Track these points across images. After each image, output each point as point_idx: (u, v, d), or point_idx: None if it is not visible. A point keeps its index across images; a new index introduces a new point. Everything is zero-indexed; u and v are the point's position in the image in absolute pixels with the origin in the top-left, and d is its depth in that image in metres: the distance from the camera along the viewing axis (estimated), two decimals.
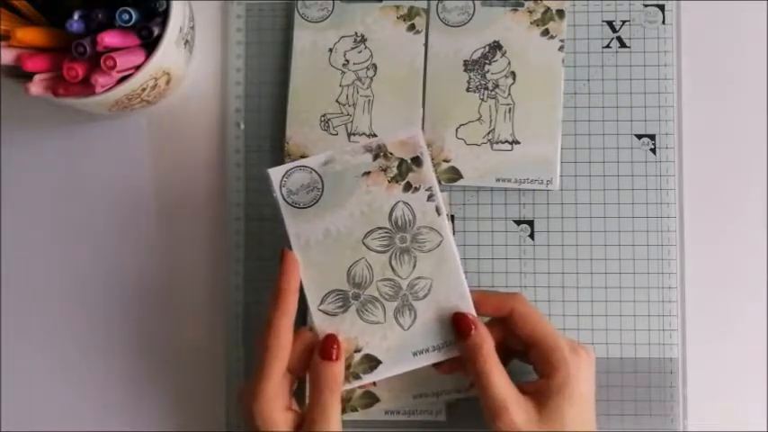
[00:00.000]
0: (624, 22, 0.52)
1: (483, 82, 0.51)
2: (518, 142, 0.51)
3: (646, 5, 0.52)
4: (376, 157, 0.45)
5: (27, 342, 0.52)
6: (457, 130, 0.51)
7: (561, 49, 0.51)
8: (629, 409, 0.50)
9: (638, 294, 0.50)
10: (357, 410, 0.49)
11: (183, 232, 0.52)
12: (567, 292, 0.50)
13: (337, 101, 0.51)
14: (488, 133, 0.51)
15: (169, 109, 0.53)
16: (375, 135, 0.51)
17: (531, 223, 0.51)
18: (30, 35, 0.44)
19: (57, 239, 0.52)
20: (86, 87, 0.44)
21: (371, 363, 0.44)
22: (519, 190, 0.51)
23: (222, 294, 0.52)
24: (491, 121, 0.51)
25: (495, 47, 0.51)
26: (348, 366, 0.44)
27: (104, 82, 0.44)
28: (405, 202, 0.45)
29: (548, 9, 0.51)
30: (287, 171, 0.44)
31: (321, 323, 0.44)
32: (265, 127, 0.52)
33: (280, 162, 0.51)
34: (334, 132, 0.51)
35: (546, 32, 0.51)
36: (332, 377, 0.42)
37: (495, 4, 0.52)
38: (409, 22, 0.52)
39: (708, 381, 0.50)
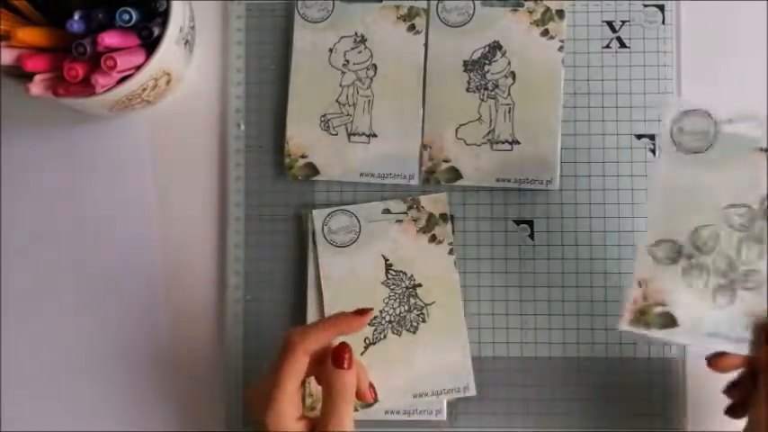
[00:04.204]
0: (624, 22, 0.52)
1: (483, 82, 0.51)
2: (518, 142, 0.51)
3: (646, 5, 0.52)
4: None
5: (26, 341, 0.52)
6: (457, 130, 0.51)
7: (561, 49, 0.51)
8: (630, 409, 0.50)
9: None
10: (357, 410, 0.49)
11: (184, 232, 0.52)
12: (566, 291, 0.50)
13: (337, 101, 0.51)
14: (488, 133, 0.51)
15: (169, 109, 0.53)
16: (375, 135, 0.51)
17: (530, 223, 0.51)
18: (30, 35, 0.44)
19: (57, 239, 0.52)
20: (86, 87, 0.44)
21: (668, 321, 0.43)
22: (519, 190, 0.51)
23: (222, 294, 0.52)
24: (491, 121, 0.51)
25: (495, 47, 0.51)
26: (644, 312, 0.43)
27: (105, 82, 0.44)
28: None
29: (548, 9, 0.51)
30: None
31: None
32: (265, 127, 0.52)
33: (280, 162, 0.51)
34: (335, 132, 0.51)
35: (546, 32, 0.51)
36: (346, 385, 0.42)
37: (496, 5, 0.52)
38: (409, 22, 0.52)
39: (708, 381, 0.50)
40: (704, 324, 0.43)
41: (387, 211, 0.51)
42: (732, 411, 0.46)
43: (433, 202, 0.50)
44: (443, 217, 0.51)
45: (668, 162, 0.43)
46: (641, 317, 0.43)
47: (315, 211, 0.51)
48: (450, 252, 0.50)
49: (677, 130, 0.43)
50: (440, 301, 0.50)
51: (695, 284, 0.43)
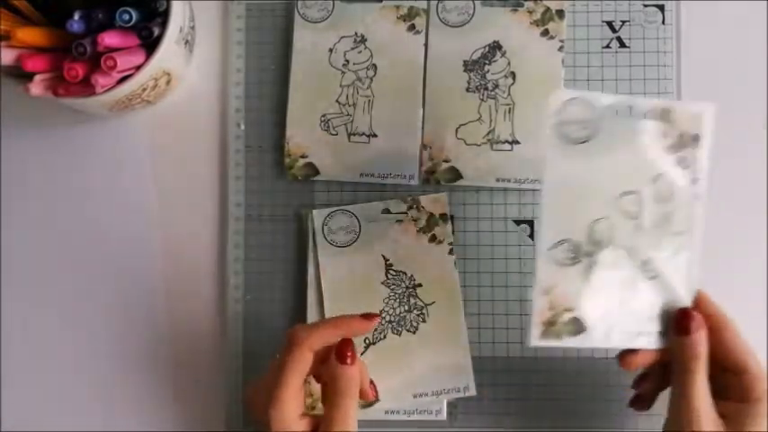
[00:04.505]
0: (624, 22, 0.52)
1: (483, 82, 0.51)
2: (518, 142, 0.51)
3: (645, 5, 0.52)
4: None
5: (26, 341, 0.52)
6: (457, 130, 0.51)
7: (561, 49, 0.51)
8: (630, 408, 0.50)
9: None
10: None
11: (184, 232, 0.52)
12: None
13: (337, 101, 0.51)
14: (488, 133, 0.51)
15: (169, 109, 0.53)
16: (375, 135, 0.51)
17: (531, 223, 0.51)
18: (30, 35, 0.44)
19: (57, 239, 0.52)
20: (87, 87, 0.44)
21: (578, 327, 0.42)
22: (519, 190, 0.51)
23: (222, 294, 0.52)
24: (491, 121, 0.51)
25: (495, 47, 0.51)
26: (553, 323, 0.42)
27: (105, 82, 0.44)
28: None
29: (548, 9, 0.51)
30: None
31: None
32: (265, 127, 0.52)
33: (280, 162, 0.51)
34: (335, 132, 0.51)
35: (546, 32, 0.51)
36: (349, 381, 0.42)
37: (495, 4, 0.52)
38: (409, 22, 0.52)
39: None
40: (615, 323, 0.42)
41: (387, 211, 0.51)
42: (635, 403, 0.46)
43: (433, 202, 0.50)
44: (443, 217, 0.51)
45: (556, 156, 0.41)
46: (551, 328, 0.41)
47: (315, 211, 0.51)
48: (450, 252, 0.50)
49: (561, 122, 0.41)
50: (440, 301, 0.50)
51: (599, 282, 0.41)
